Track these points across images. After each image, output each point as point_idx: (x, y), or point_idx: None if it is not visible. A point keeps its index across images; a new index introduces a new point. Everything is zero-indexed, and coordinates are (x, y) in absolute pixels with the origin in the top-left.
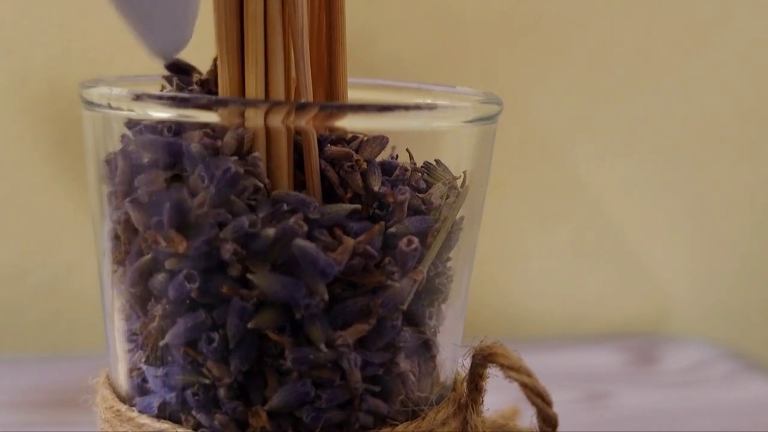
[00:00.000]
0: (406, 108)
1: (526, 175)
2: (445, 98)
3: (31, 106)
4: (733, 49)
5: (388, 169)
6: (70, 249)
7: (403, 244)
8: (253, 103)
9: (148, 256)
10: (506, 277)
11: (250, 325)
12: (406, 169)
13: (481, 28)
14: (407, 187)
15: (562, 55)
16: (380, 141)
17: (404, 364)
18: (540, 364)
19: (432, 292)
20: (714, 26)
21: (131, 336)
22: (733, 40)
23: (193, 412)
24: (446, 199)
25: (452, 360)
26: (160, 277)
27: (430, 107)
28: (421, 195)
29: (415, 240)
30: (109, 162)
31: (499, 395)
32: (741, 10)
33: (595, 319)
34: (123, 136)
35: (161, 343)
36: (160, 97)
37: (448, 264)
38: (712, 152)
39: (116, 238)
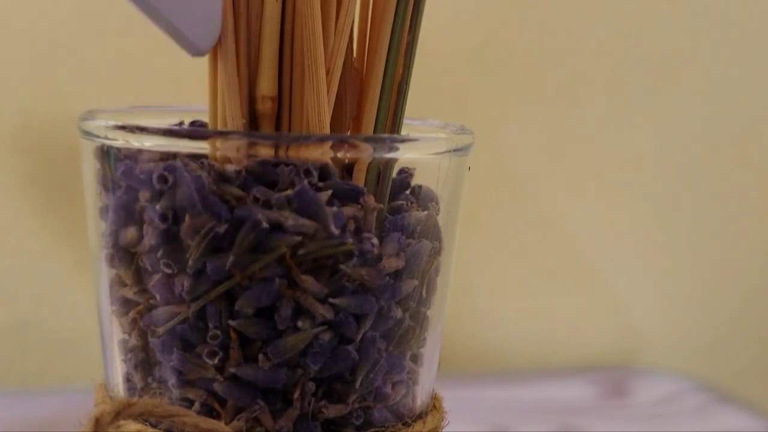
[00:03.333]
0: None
1: (497, 208)
2: (417, 130)
3: (3, 140)
4: (702, 85)
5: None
6: (40, 282)
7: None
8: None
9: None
10: (476, 312)
11: None
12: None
13: (453, 61)
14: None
15: (533, 90)
16: None
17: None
18: (511, 398)
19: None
20: (684, 62)
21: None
22: (703, 75)
23: None
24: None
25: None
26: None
27: (403, 139)
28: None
29: None
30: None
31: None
32: (710, 46)
33: (566, 353)
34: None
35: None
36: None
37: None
38: (681, 187)
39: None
